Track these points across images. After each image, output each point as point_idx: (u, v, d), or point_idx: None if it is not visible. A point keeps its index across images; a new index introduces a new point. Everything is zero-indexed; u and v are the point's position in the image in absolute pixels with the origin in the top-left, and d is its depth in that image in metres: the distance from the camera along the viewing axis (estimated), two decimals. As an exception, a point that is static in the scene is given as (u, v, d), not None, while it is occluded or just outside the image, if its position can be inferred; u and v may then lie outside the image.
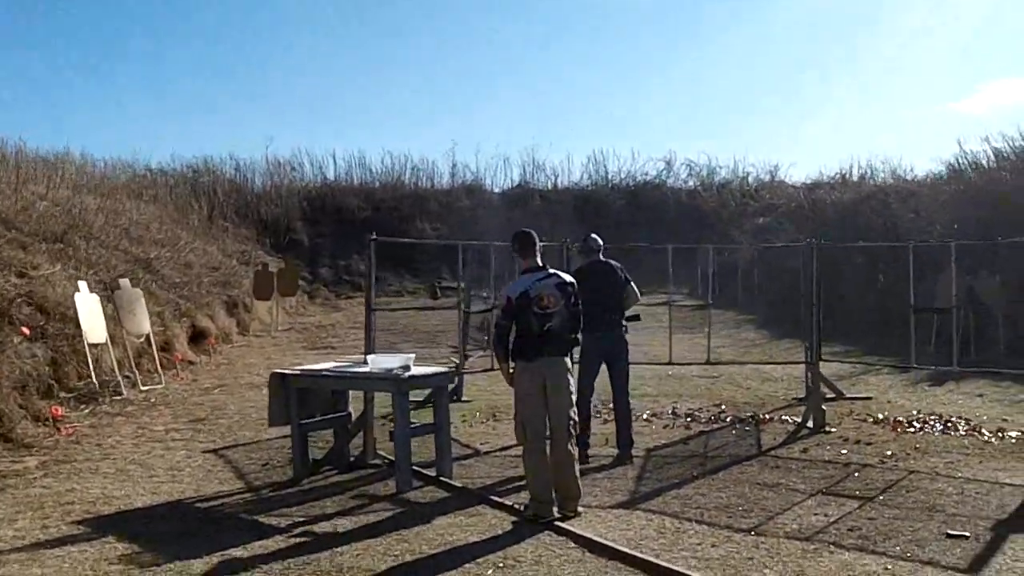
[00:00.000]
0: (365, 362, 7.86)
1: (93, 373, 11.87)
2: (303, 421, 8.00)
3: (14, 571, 5.55)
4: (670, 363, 11.29)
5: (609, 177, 34.25)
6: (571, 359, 6.74)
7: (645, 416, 10.77)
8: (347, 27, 61.16)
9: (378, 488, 7.57)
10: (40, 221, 16.57)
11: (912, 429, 9.83)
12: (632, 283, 8.92)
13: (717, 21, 62.37)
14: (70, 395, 11.30)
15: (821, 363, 11.76)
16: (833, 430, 9.81)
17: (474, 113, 58.57)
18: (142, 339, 13.81)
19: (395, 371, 7.44)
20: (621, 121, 56.37)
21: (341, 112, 58.46)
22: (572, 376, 6.69)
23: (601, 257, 8.99)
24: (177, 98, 56.29)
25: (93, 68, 56.04)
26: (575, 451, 6.66)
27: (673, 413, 10.98)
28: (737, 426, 10.23)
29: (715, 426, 10.27)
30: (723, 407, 11.35)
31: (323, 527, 6.51)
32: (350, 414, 8.45)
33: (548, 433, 6.56)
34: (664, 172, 34.22)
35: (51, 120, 51.65)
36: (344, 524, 6.59)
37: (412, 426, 7.74)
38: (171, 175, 30.75)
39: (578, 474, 6.66)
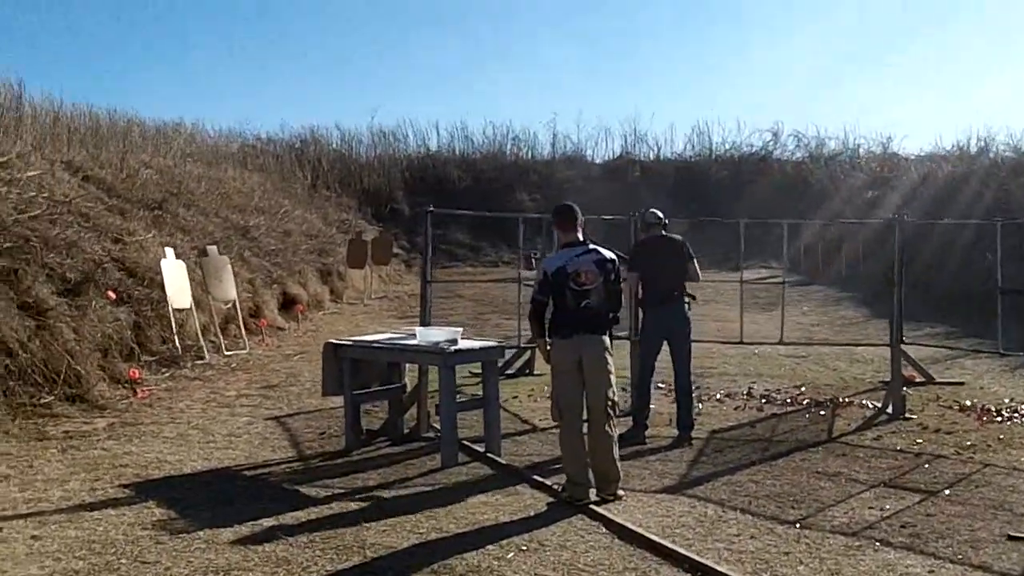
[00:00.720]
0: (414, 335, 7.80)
1: (176, 337, 12.17)
2: (356, 392, 8.00)
3: (50, 532, 5.67)
4: (741, 342, 10.89)
5: (713, 148, 33.51)
6: (610, 337, 6.51)
7: (718, 396, 10.47)
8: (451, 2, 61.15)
9: (425, 462, 7.51)
10: (142, 188, 17.10)
11: (1000, 419, 9.28)
12: (695, 261, 8.63)
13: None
14: (152, 359, 11.61)
15: (910, 346, 11.31)
16: (914, 417, 9.33)
17: (576, 84, 57.99)
18: (229, 305, 14.09)
19: (441, 344, 7.36)
20: (727, 90, 55.05)
21: (444, 84, 58.64)
22: (611, 355, 6.47)
23: (664, 232, 8.72)
24: (287, 69, 57.35)
25: (207, 41, 57.40)
26: (614, 432, 6.45)
27: (748, 394, 10.63)
28: (812, 409, 9.82)
29: (789, 409, 9.90)
30: (803, 389, 10.94)
31: (360, 500, 6.49)
32: (405, 386, 8.43)
33: (586, 413, 6.37)
34: (771, 143, 33.27)
35: (167, 91, 53.25)
36: (383, 497, 6.56)
37: (460, 400, 7.65)
38: (279, 144, 31.35)
39: (617, 456, 6.45)
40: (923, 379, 11.25)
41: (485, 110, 79.59)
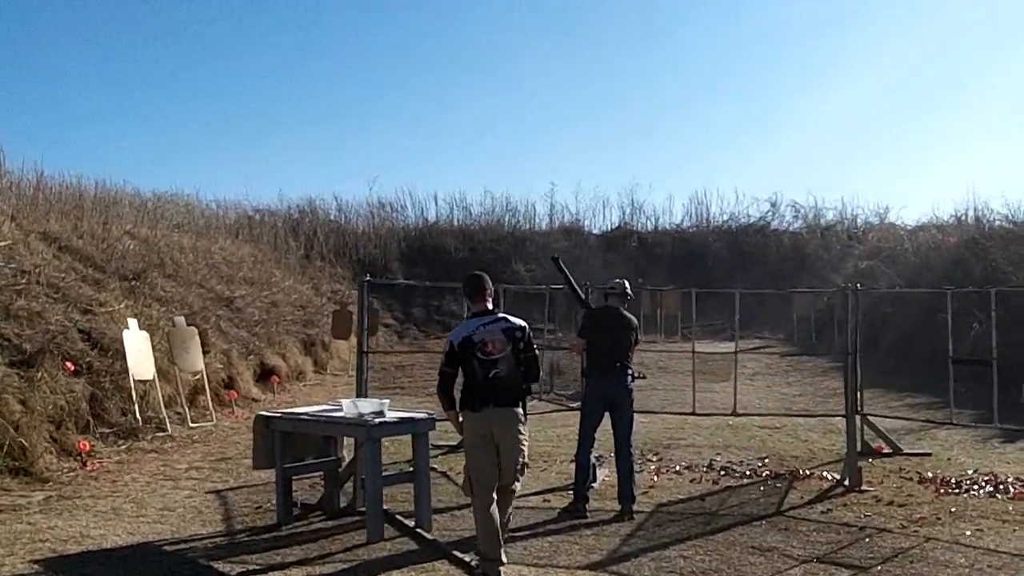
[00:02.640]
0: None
1: (137, 409, 12.08)
2: (288, 465, 7.86)
3: (-61, 610, 5.54)
4: (693, 413, 10.76)
5: (710, 219, 33.45)
6: (524, 407, 6.37)
7: (677, 468, 10.27)
8: (450, 71, 61.97)
9: (353, 537, 7.33)
10: (121, 259, 17.15)
11: (958, 490, 9.04)
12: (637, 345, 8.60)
13: (828, 58, 60.66)
14: (110, 430, 11.50)
15: (873, 417, 11.15)
16: (870, 489, 9.13)
17: (575, 154, 58.35)
18: (196, 376, 14.01)
19: (365, 416, 7.23)
20: (725, 162, 55.23)
21: (444, 153, 59.13)
22: (524, 425, 6.33)
23: (619, 305, 8.61)
24: (286, 140, 57.99)
25: (206, 112, 58.21)
26: (517, 487, 6.40)
27: (708, 466, 10.42)
28: (770, 482, 9.62)
29: (746, 481, 9.69)
30: (766, 460, 10.74)
31: (272, 577, 6.33)
32: (341, 459, 8.28)
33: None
34: (769, 214, 33.23)
35: (165, 162, 53.86)
36: (292, 574, 6.39)
37: (389, 474, 7.50)
38: (277, 215, 31.53)
39: (506, 523, 6.33)
40: (891, 450, 11.05)
41: (484, 180, 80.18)
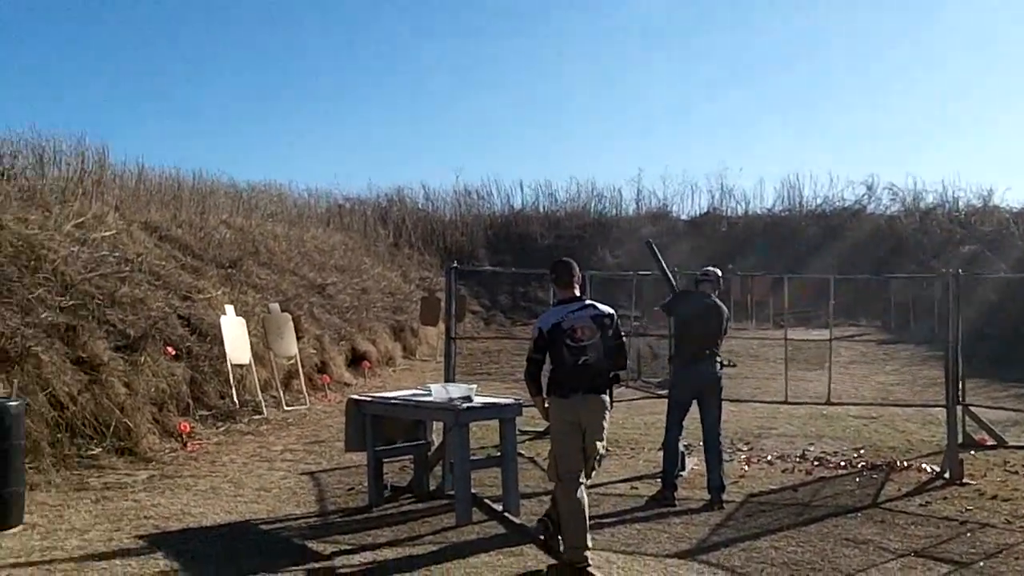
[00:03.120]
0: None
1: (234, 392, 12.42)
2: (379, 448, 7.99)
3: (52, 581, 5.79)
4: (785, 402, 10.57)
5: (803, 203, 32.66)
6: (610, 396, 6.35)
7: (769, 458, 10.12)
8: (536, 58, 61.82)
9: (442, 520, 7.43)
10: (218, 247, 17.62)
11: (1067, 485, 8.74)
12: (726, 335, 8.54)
13: (927, 35, 58.79)
14: (209, 412, 11.85)
15: (975, 408, 10.82)
16: (972, 482, 8.87)
17: (662, 140, 57.74)
18: (291, 361, 14.32)
19: (454, 401, 7.31)
20: (819, 143, 53.86)
21: (528, 141, 59.13)
22: (609, 412, 6.31)
23: (710, 292, 8.55)
24: (376, 130, 58.69)
25: (296, 104, 59.30)
26: (587, 481, 6.33)
27: (801, 456, 10.25)
28: (865, 473, 9.42)
29: (841, 472, 9.50)
30: (862, 451, 10.50)
31: (363, 557, 6.46)
32: (431, 443, 8.39)
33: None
34: (865, 197, 32.23)
35: (260, 154, 55.04)
36: (385, 555, 6.51)
37: (477, 458, 7.58)
38: (366, 203, 31.97)
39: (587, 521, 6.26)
40: (994, 442, 10.71)
41: (570, 167, 79.84)
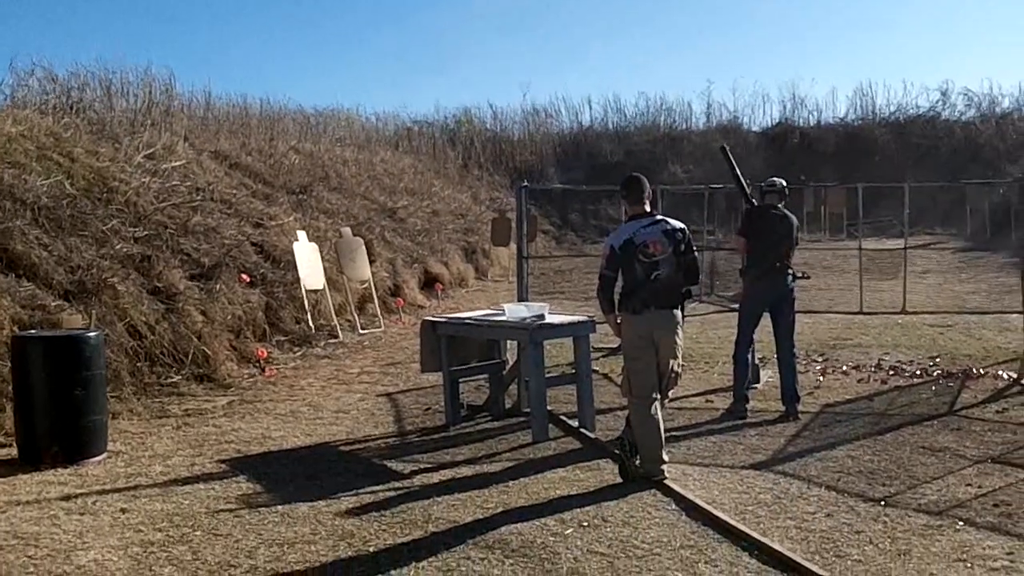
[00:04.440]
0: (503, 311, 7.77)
1: (309, 317, 12.59)
2: (455, 368, 8.04)
3: (139, 505, 5.95)
4: (860, 312, 10.36)
5: (877, 111, 31.74)
6: (682, 311, 6.27)
7: (844, 368, 9.98)
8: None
9: (518, 437, 7.49)
10: (288, 174, 17.77)
11: None
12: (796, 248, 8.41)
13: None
14: (285, 338, 12.04)
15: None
16: (1052, 388, 8.67)
17: (732, 49, 56.18)
18: (364, 285, 14.45)
19: (527, 320, 7.29)
20: (892, 50, 51.89)
21: (596, 56, 58.06)
22: (681, 328, 6.24)
23: (777, 203, 8.36)
24: (440, 51, 58.23)
25: (359, 26, 58.95)
26: (665, 402, 6.39)
27: (877, 366, 10.09)
28: (941, 381, 9.25)
29: (916, 381, 9.35)
30: (938, 360, 10.30)
31: (442, 475, 6.53)
32: (505, 362, 8.41)
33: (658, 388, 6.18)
34: (939, 103, 31.23)
35: (328, 80, 55.03)
36: (463, 472, 6.58)
37: (551, 376, 7.59)
38: (434, 125, 31.88)
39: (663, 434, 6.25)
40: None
41: (638, 82, 78.30)
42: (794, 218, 8.49)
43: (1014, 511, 5.33)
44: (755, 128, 32.84)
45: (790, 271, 8.16)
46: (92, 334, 7.23)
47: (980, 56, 52.40)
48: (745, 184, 8.79)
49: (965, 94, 31.33)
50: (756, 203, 8.59)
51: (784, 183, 8.54)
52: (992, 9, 54.28)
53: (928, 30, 54.46)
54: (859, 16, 57.42)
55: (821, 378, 9.52)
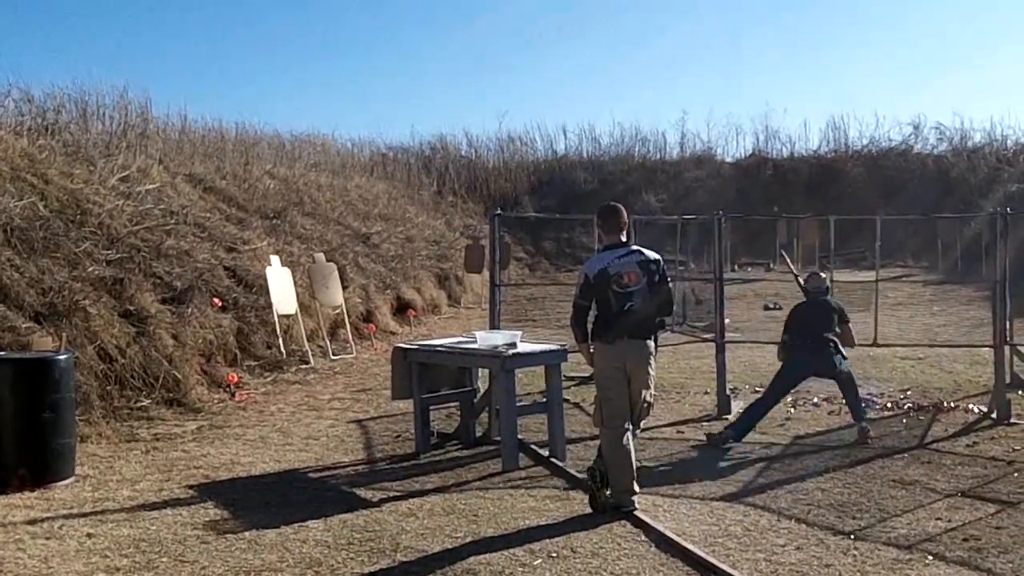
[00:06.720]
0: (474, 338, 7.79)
1: (281, 342, 12.55)
2: (425, 395, 8.04)
3: (105, 530, 5.91)
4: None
5: (849, 144, 32.19)
6: (655, 342, 6.32)
7: (815, 400, 10.05)
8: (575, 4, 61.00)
9: (488, 466, 7.49)
10: (262, 198, 17.76)
11: (1119, 426, 8.59)
12: (850, 324, 8.88)
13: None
14: (256, 363, 11.99)
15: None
16: (1020, 422, 8.76)
17: (706, 82, 56.84)
18: (337, 310, 14.43)
19: (499, 348, 7.32)
20: (863, 83, 52.66)
21: (571, 86, 58.57)
22: (654, 358, 6.29)
23: (827, 297, 9.00)
24: (418, 78, 58.51)
25: (337, 52, 59.19)
26: (637, 431, 6.46)
27: (848, 398, 10.17)
28: (912, 414, 9.35)
29: (887, 414, 9.43)
30: (909, 392, 10.41)
31: (411, 503, 6.51)
32: (476, 390, 8.43)
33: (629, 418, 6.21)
34: (911, 136, 31.70)
35: (302, 103, 55.12)
36: (433, 500, 6.57)
37: (523, 404, 7.61)
38: (409, 152, 31.99)
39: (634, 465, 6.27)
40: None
41: (613, 111, 79.00)
42: (836, 303, 9.00)
43: (983, 546, 5.39)
44: (728, 159, 33.21)
45: (833, 342, 8.53)
46: (62, 356, 7.19)
47: (950, 90, 53.28)
48: (800, 279, 9.60)
49: (937, 128, 31.84)
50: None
51: (827, 280, 9.18)
52: (961, 46, 55.25)
53: (900, 64, 55.34)
54: (831, 49, 58.29)
55: (792, 410, 9.58)
